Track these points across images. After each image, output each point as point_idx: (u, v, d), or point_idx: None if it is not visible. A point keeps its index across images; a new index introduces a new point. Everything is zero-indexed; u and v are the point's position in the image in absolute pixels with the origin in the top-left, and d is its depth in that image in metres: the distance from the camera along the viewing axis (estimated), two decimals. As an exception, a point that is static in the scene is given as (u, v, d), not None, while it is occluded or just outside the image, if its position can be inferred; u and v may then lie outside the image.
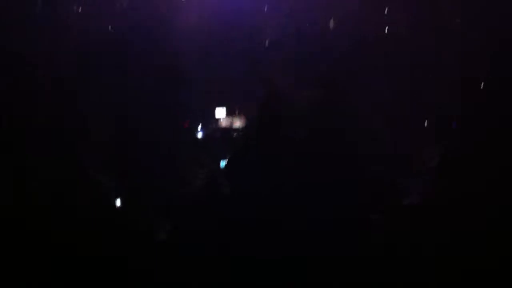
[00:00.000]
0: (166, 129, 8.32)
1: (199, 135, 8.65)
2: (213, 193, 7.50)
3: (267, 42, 11.11)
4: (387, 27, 10.82)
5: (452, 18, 11.30)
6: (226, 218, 7.16)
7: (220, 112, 8.92)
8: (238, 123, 8.87)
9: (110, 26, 10.90)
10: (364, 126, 8.19)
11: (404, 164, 8.13)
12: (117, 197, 7.54)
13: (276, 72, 9.76)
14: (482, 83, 8.82)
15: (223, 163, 8.15)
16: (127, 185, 7.80)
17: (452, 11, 11.12)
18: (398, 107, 8.85)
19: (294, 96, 8.74)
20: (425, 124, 8.95)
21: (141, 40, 10.90)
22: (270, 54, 10.51)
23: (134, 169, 7.96)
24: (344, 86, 8.75)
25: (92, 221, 6.80)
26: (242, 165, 7.86)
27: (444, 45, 9.95)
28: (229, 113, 8.91)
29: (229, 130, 8.77)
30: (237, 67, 9.83)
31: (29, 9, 11.16)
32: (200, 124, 8.63)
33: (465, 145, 7.96)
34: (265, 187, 7.42)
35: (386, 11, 11.04)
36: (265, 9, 12.05)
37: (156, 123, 8.33)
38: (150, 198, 7.76)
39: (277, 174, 7.57)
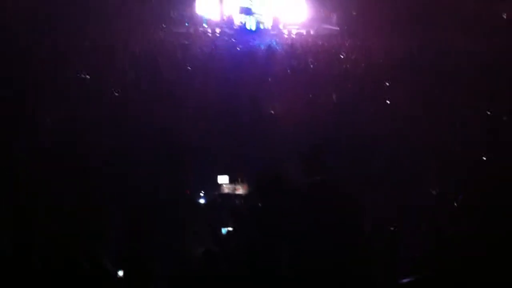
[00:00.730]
0: (166, 196, 8.23)
1: (201, 201, 8.54)
2: (214, 263, 7.39)
3: (270, 110, 11.24)
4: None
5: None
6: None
7: (223, 179, 8.86)
8: (240, 190, 8.79)
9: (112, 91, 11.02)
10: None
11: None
12: (113, 266, 7.39)
13: (279, 141, 9.81)
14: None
15: (224, 231, 8.03)
16: (123, 253, 7.67)
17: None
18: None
19: (297, 166, 8.69)
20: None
21: (142, 105, 11.02)
22: (273, 123, 10.61)
23: (133, 236, 7.84)
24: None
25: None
26: (244, 233, 7.77)
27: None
28: (231, 181, 8.85)
29: (231, 197, 8.68)
30: (240, 136, 9.85)
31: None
32: (202, 191, 8.54)
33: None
34: (266, 257, 7.29)
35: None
36: (269, 79, 12.28)
37: (156, 189, 8.24)
38: (148, 266, 7.63)
39: (278, 244, 7.44)
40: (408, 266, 7.41)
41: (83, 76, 13.81)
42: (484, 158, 9.31)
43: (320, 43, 21.15)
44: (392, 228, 7.90)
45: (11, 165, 8.49)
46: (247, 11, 25.29)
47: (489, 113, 11.50)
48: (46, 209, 7.31)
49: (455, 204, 8.21)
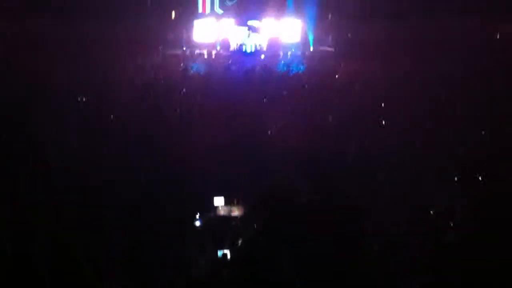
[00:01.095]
0: (164, 217, 8.22)
1: (197, 223, 8.54)
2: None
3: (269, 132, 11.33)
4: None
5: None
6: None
7: (219, 201, 8.87)
8: (236, 212, 8.80)
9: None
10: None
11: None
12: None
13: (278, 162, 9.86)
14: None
15: (220, 253, 8.02)
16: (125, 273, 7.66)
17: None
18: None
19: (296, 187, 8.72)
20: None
21: (139, 126, 11.08)
22: (272, 147, 10.67)
23: (133, 258, 7.83)
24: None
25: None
26: (240, 256, 7.77)
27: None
28: (227, 202, 8.86)
29: (227, 219, 8.67)
30: (237, 156, 9.89)
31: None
32: (198, 213, 8.53)
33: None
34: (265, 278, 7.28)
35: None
36: (265, 100, 12.38)
37: (155, 212, 8.23)
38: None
39: (277, 265, 7.43)
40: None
41: (82, 100, 13.94)
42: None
43: (316, 63, 21.34)
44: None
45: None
46: (244, 32, 25.61)
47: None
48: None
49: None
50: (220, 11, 26.20)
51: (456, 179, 9.60)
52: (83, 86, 15.17)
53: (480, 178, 9.52)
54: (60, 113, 12.38)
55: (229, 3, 26.18)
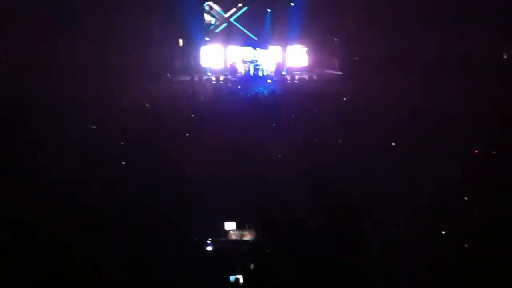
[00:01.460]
0: (173, 243, 8.22)
1: (208, 249, 8.53)
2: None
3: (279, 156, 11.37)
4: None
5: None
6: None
7: (230, 226, 8.88)
8: (248, 237, 8.79)
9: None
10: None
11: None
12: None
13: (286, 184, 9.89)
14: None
15: (232, 278, 7.99)
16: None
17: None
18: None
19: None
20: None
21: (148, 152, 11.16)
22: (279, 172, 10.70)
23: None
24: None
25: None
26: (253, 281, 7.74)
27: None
28: (238, 227, 8.87)
29: (239, 243, 8.67)
30: (246, 180, 9.93)
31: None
32: (209, 239, 8.53)
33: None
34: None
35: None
36: (273, 124, 12.46)
37: (164, 238, 8.24)
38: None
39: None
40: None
41: (91, 127, 14.08)
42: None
43: (323, 87, 21.43)
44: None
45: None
46: (250, 57, 25.87)
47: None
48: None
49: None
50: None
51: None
52: (93, 111, 15.36)
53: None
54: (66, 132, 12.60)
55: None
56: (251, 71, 25.87)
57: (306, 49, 26.28)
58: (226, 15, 26.67)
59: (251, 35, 26.44)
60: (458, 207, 8.82)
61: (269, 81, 24.70)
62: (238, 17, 26.69)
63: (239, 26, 26.53)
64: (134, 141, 12.54)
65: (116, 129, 13.61)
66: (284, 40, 26.01)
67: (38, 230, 7.45)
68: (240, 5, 26.62)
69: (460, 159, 10.82)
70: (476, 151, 11.72)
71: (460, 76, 19.52)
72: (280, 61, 26.00)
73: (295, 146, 11.93)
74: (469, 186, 9.55)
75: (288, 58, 26.13)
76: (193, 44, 26.18)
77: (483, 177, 9.82)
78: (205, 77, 24.75)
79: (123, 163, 11.28)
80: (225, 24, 26.70)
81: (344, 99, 18.42)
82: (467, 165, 10.46)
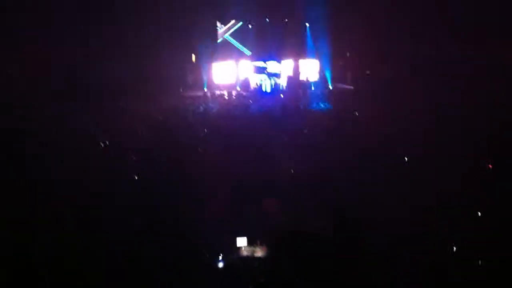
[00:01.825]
0: (185, 259, 8.21)
1: (220, 265, 8.51)
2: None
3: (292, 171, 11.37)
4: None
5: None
6: None
7: (241, 242, 8.86)
8: (259, 253, 8.76)
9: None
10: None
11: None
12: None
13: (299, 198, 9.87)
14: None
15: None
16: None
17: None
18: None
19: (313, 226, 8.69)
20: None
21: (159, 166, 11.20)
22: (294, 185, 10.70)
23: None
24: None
25: None
26: None
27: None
28: (250, 243, 8.84)
29: (250, 259, 8.63)
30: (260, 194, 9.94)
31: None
32: (221, 254, 8.52)
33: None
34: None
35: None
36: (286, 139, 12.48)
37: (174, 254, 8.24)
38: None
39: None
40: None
41: (104, 144, 14.22)
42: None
43: (336, 101, 21.43)
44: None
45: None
46: (261, 70, 25.91)
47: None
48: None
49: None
50: (248, 53, 26.55)
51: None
52: (108, 124, 15.50)
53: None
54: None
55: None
56: (263, 86, 25.89)
57: (318, 63, 26.31)
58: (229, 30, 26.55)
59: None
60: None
61: (281, 95, 24.68)
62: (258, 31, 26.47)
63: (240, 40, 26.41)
64: (147, 154, 12.61)
65: (128, 141, 13.71)
66: (297, 54, 26.07)
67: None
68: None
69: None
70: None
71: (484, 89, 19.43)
72: (292, 75, 26.04)
73: (307, 159, 11.91)
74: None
75: (300, 72, 26.17)
76: (205, 60, 26.33)
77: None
78: (217, 92, 24.86)
79: (136, 177, 11.34)
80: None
81: (356, 113, 18.41)
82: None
